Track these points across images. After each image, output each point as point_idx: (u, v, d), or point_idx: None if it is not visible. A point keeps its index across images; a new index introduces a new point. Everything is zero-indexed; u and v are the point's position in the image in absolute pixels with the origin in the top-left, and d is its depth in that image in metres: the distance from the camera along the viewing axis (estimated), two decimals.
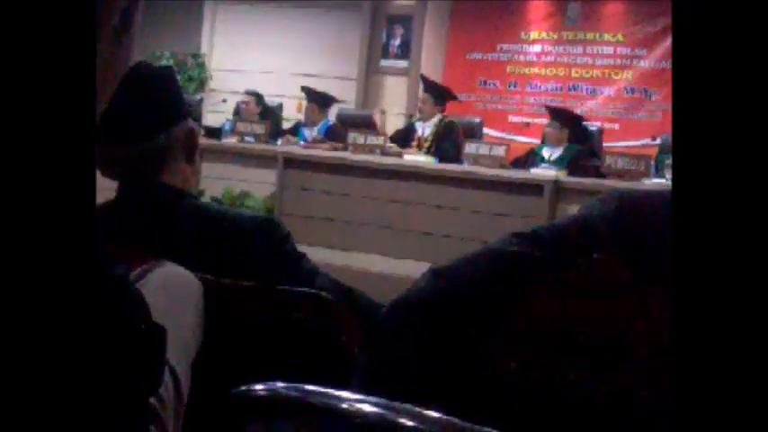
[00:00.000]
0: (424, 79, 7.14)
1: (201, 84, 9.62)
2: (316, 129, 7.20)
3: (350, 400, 0.78)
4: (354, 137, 6.13)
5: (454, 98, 7.04)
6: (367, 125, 6.79)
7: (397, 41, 8.93)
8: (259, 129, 6.62)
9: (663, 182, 5.25)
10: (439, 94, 6.87)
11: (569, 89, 8.50)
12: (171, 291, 1.21)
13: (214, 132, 6.85)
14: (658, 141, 6.85)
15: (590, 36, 8.39)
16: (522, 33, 8.68)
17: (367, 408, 0.77)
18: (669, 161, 5.48)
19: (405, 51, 8.87)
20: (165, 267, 1.27)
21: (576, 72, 8.47)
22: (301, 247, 1.69)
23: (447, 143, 6.55)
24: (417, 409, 0.77)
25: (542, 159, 6.26)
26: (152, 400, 1.06)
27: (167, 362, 1.10)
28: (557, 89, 8.54)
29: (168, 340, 0.94)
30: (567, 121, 6.44)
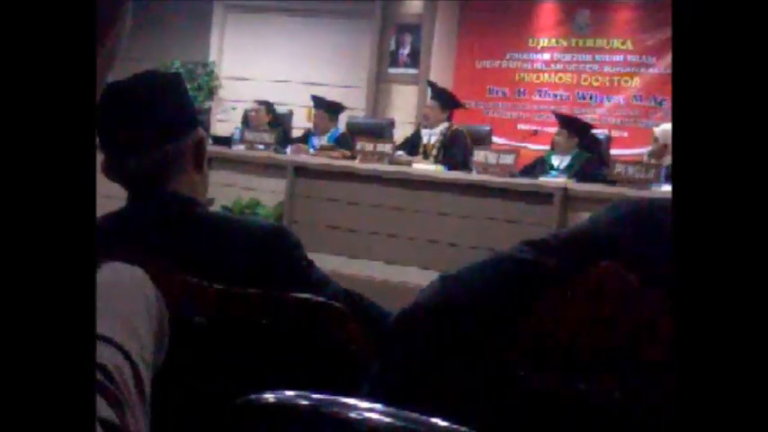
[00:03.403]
0: (432, 85, 7.14)
1: (211, 92, 9.64)
2: (325, 137, 7.21)
3: (359, 408, 0.78)
4: (363, 145, 6.13)
5: (461, 106, 7.04)
6: (376, 133, 6.79)
7: (407, 50, 8.94)
8: (268, 137, 6.63)
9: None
10: (446, 101, 6.87)
11: (578, 97, 8.49)
12: (113, 281, 1.22)
13: (223, 141, 6.86)
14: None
15: (599, 44, 8.38)
16: (531, 41, 8.67)
17: (376, 416, 0.77)
18: None
19: (414, 60, 8.88)
20: (109, 264, 1.28)
21: (585, 80, 8.47)
22: (310, 255, 1.69)
23: (455, 151, 6.55)
24: (426, 418, 0.77)
25: (551, 167, 6.26)
26: (106, 381, 1.06)
27: (120, 346, 1.10)
28: (565, 97, 8.54)
29: (116, 323, 0.99)
30: (576, 129, 6.43)
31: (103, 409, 1.02)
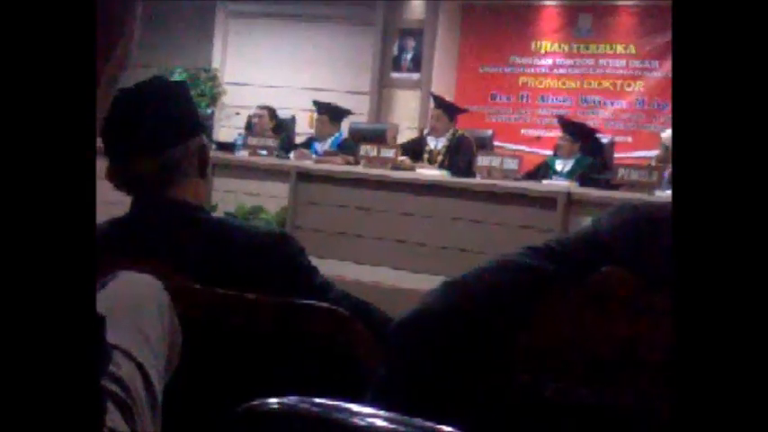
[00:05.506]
0: (436, 98, 7.15)
1: (214, 98, 9.65)
2: (328, 142, 7.21)
3: (363, 414, 0.78)
4: (366, 150, 6.13)
5: (465, 111, 7.07)
6: (379, 139, 6.79)
7: (409, 55, 8.95)
8: (271, 143, 6.64)
9: None
10: (452, 112, 6.89)
11: (581, 101, 8.49)
12: (128, 291, 1.23)
13: (227, 147, 6.86)
14: None
15: (601, 48, 8.39)
16: (534, 46, 8.68)
17: (380, 422, 0.77)
18: None
19: (416, 65, 8.89)
20: (125, 274, 1.28)
21: (588, 84, 8.47)
22: (313, 261, 1.69)
23: (460, 157, 6.55)
24: (430, 424, 0.77)
25: (555, 171, 6.26)
26: (119, 390, 1.06)
27: (133, 355, 1.11)
28: (569, 101, 8.54)
29: (130, 333, 1.02)
30: (579, 134, 6.43)
31: (115, 417, 1.02)
